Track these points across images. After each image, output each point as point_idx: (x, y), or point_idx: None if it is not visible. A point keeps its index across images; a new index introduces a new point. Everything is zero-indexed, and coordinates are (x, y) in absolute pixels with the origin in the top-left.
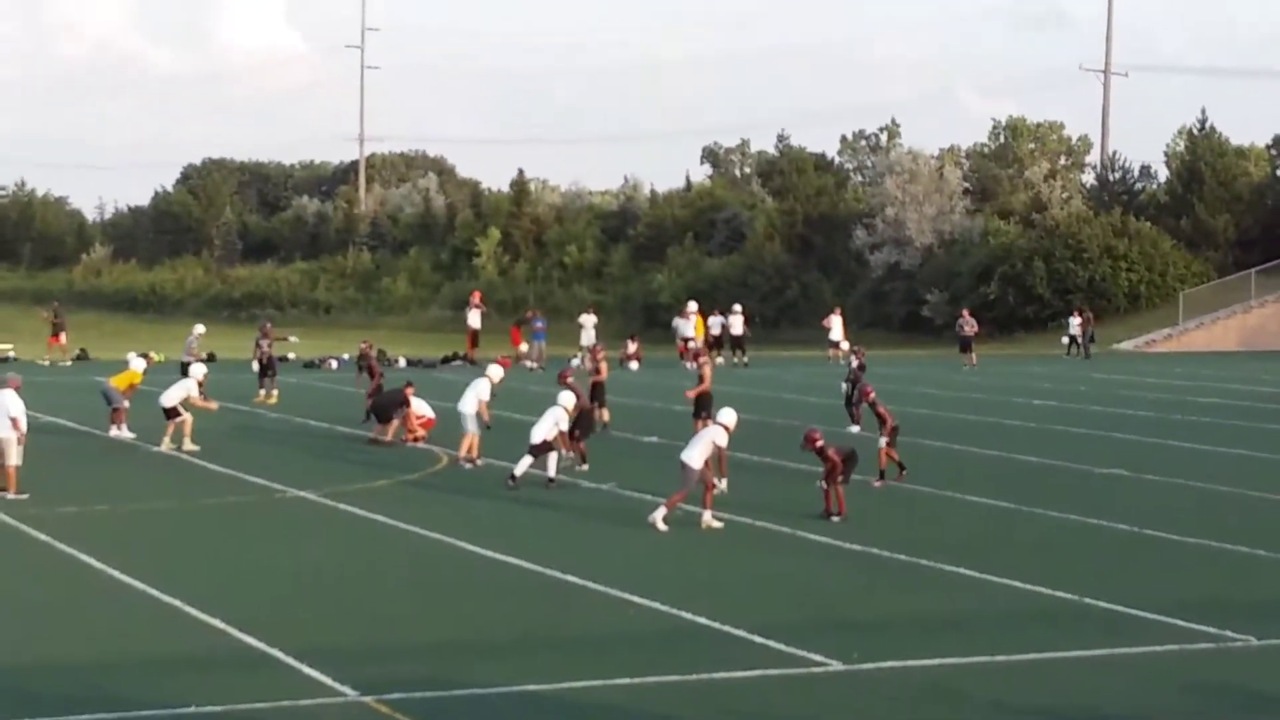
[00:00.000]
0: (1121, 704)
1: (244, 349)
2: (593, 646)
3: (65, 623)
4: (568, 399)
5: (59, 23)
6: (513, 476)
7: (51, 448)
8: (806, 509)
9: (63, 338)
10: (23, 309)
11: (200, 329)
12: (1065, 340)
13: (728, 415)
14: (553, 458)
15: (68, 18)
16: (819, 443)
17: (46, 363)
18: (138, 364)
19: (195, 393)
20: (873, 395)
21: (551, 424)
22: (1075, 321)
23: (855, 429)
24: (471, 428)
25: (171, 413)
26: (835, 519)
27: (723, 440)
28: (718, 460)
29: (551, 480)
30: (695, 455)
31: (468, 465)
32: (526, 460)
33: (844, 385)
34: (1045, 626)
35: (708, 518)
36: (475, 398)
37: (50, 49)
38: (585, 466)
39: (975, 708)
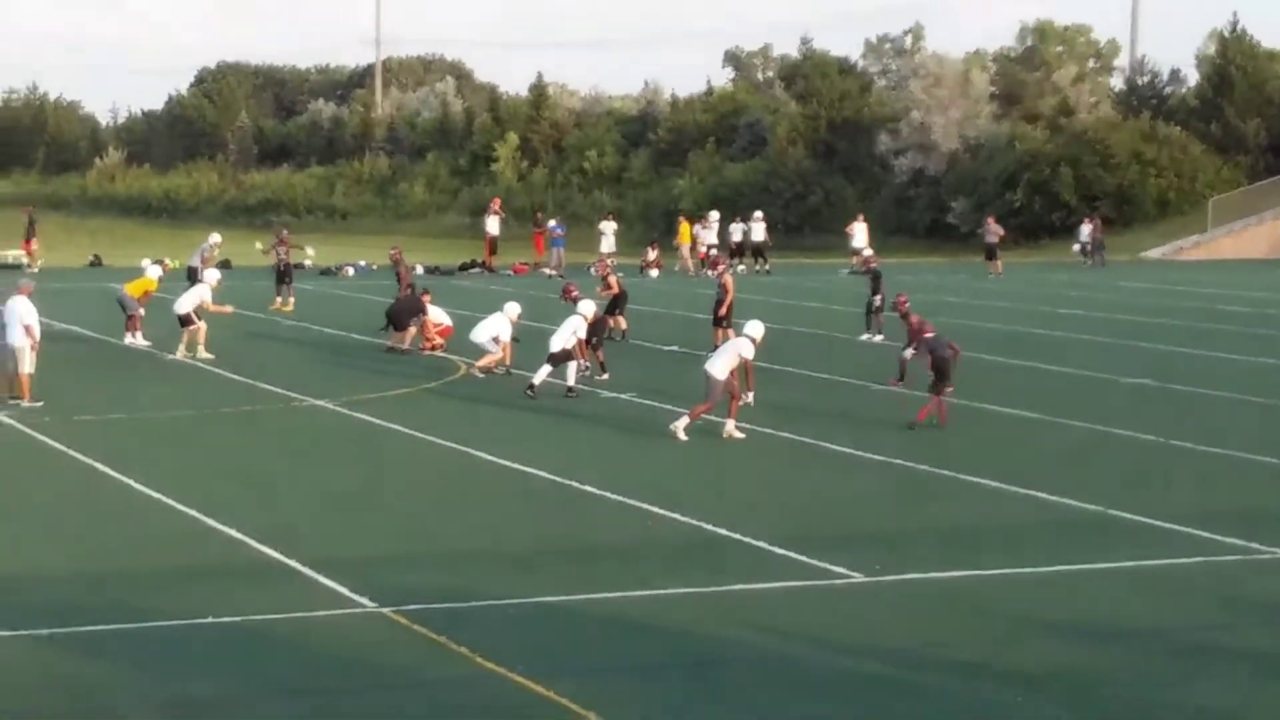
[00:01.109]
0: (1147, 616)
1: (259, 257)
2: (611, 557)
3: (82, 532)
4: (587, 307)
5: None
6: (531, 386)
7: (66, 355)
8: (829, 419)
9: (34, 244)
10: (37, 214)
11: (216, 238)
12: (1076, 248)
13: (755, 328)
14: (572, 366)
15: None
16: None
17: (34, 269)
18: (153, 271)
19: (209, 298)
20: (906, 305)
21: (570, 333)
22: (1086, 229)
23: (865, 337)
24: (492, 349)
25: (186, 320)
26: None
27: (749, 353)
28: (744, 373)
29: (570, 389)
30: (720, 366)
31: (480, 375)
32: (545, 369)
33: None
34: (1070, 538)
35: (730, 427)
36: (492, 333)
37: None
38: (605, 376)
39: (999, 620)
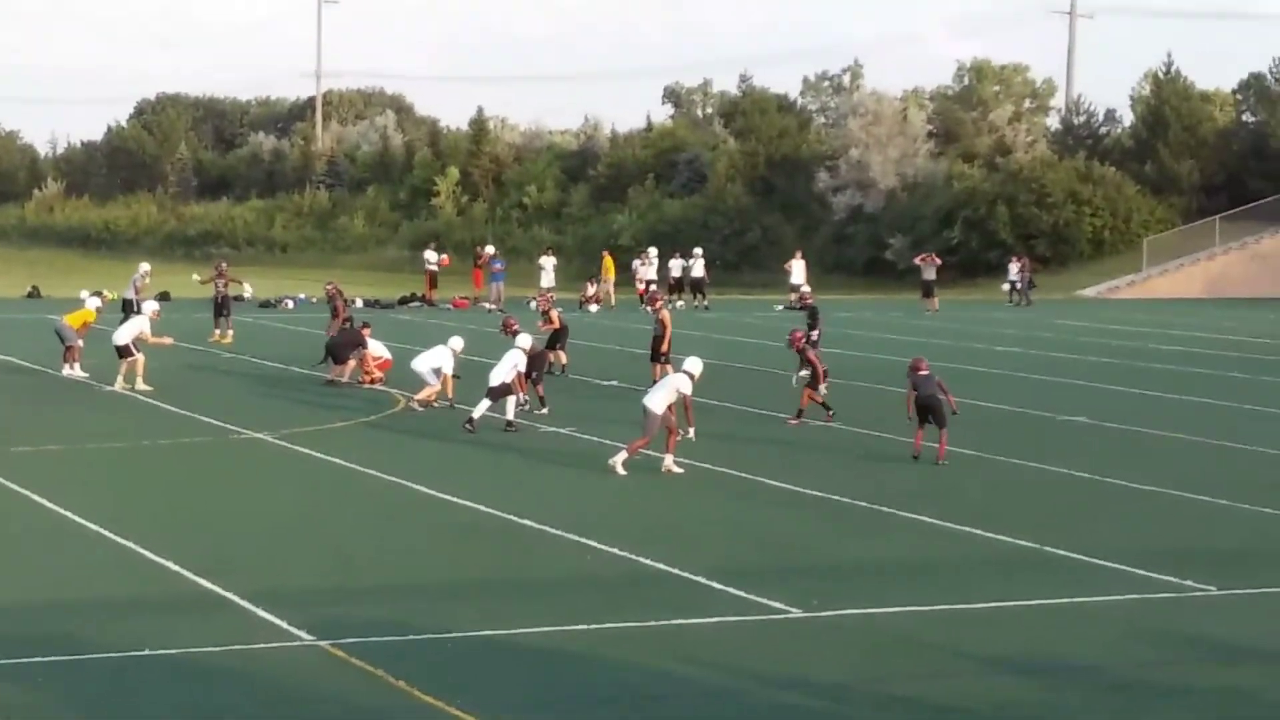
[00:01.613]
0: (1082, 653)
1: (197, 288)
2: (550, 591)
3: (18, 564)
4: (525, 340)
5: None
6: (470, 420)
7: (3, 386)
8: (768, 454)
9: None
10: None
11: (146, 267)
12: (1005, 287)
13: (694, 364)
14: (511, 401)
15: None
16: (921, 371)
17: None
18: (93, 302)
19: (148, 330)
20: (802, 342)
21: (510, 367)
22: (1014, 268)
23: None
24: (432, 380)
25: (124, 351)
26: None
27: (687, 388)
28: (683, 408)
29: (510, 424)
30: (658, 400)
31: (419, 409)
32: (485, 404)
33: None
34: (1006, 575)
35: (669, 462)
36: (433, 364)
37: None
38: (545, 410)
39: (936, 656)
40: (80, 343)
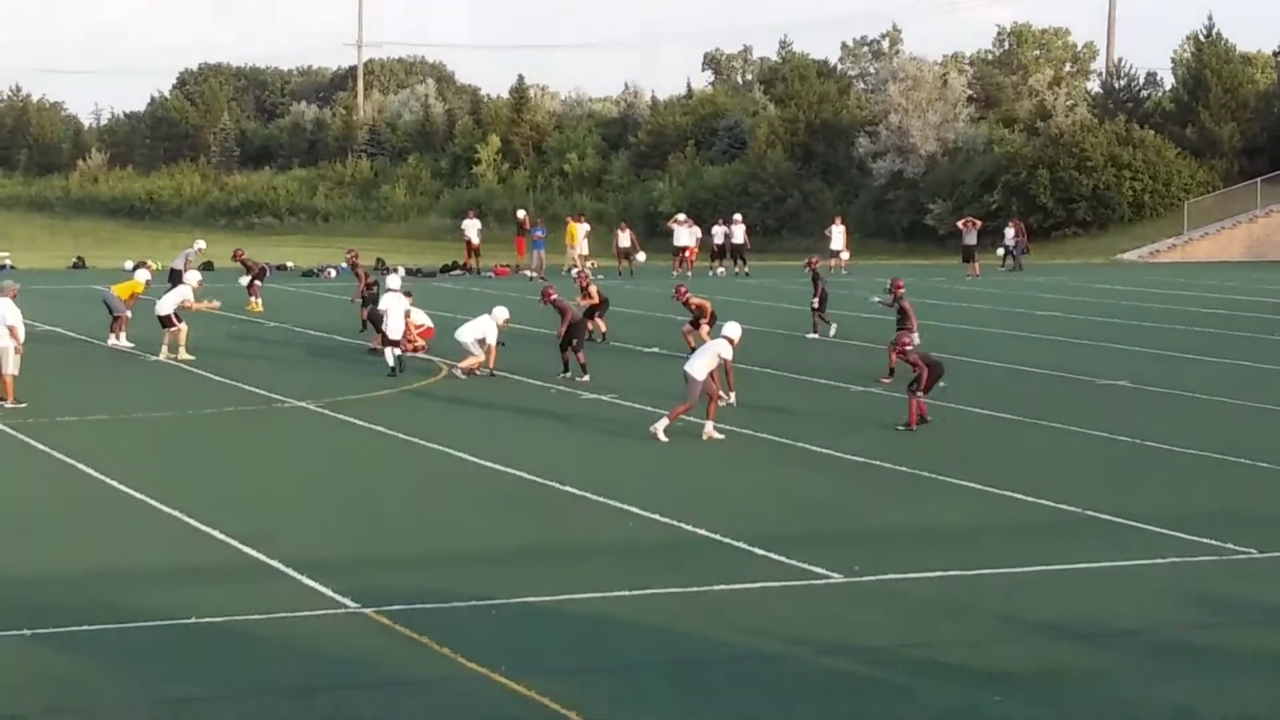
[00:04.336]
0: (1125, 616)
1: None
2: (592, 558)
3: (65, 534)
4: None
5: None
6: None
7: (49, 356)
8: (808, 420)
9: None
10: (20, 216)
11: (201, 244)
12: (1000, 252)
13: (732, 328)
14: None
15: None
16: (908, 348)
17: None
18: (141, 274)
19: (191, 298)
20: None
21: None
22: (1010, 232)
23: (827, 332)
24: (475, 351)
25: (167, 321)
26: (900, 428)
27: (727, 353)
28: (724, 373)
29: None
30: (699, 367)
31: (463, 376)
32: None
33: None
34: (1048, 539)
35: (709, 429)
36: (477, 335)
37: None
38: (587, 377)
39: (978, 620)
40: (128, 313)
